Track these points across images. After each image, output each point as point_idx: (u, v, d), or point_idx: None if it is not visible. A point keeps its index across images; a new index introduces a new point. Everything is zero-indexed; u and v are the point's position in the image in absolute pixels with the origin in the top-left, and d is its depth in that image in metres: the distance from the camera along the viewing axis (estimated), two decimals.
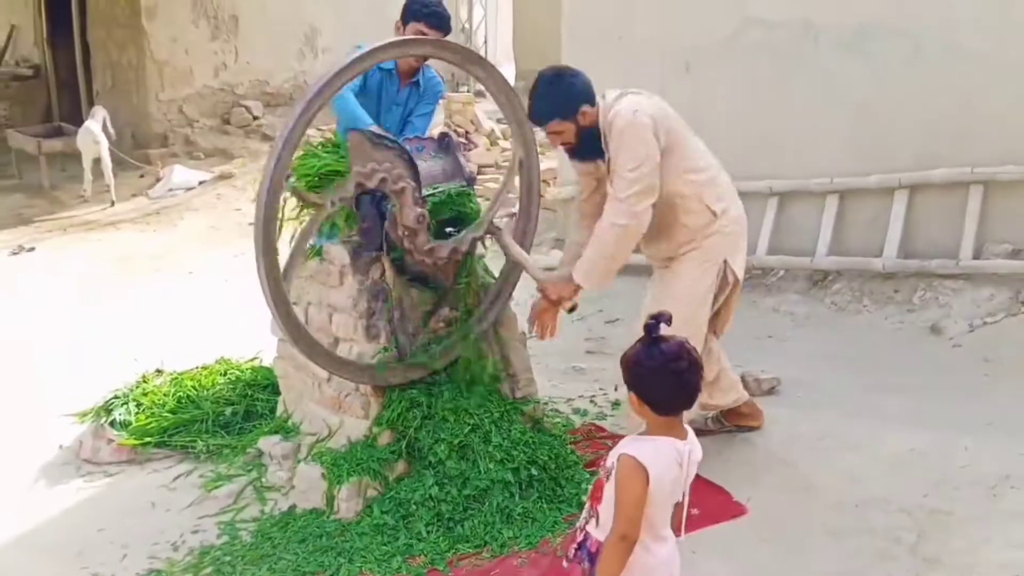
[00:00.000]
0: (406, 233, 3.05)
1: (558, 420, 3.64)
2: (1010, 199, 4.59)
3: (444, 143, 3.32)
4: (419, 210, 3.04)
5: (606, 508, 1.96)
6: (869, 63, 4.88)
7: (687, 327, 2.66)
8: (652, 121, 2.95)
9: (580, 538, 2.03)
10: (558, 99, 3.01)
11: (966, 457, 3.23)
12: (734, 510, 3.04)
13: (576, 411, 3.81)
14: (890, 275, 4.81)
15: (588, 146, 3.08)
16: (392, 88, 3.76)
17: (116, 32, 10.16)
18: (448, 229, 3.22)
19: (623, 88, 3.12)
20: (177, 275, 6.55)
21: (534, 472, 3.00)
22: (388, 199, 3.11)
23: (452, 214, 3.22)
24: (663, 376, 1.93)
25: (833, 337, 4.57)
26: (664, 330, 1.95)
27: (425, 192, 3.08)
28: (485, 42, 14.92)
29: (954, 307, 4.50)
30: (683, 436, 1.98)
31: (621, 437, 3.46)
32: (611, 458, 1.99)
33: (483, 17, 13.86)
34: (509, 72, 13.62)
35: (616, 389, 4.03)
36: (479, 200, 3.35)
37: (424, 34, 3.39)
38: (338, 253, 3.26)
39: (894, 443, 3.37)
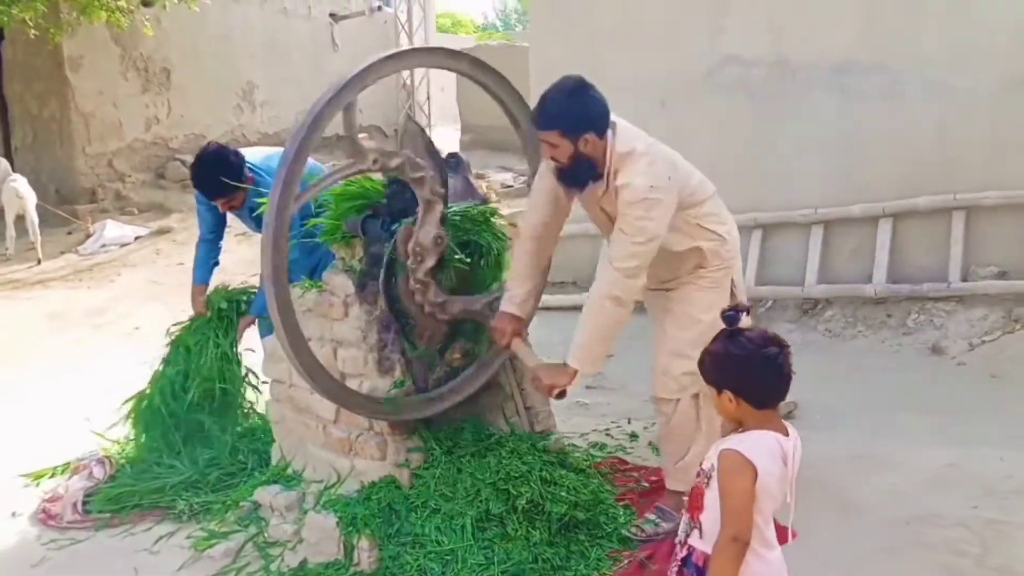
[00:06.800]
0: (416, 253, 2.85)
1: (578, 454, 3.43)
2: (992, 223, 4.70)
3: (453, 163, 3.17)
4: (438, 231, 2.88)
5: (709, 516, 1.79)
6: (847, 98, 4.99)
7: None
8: (670, 192, 2.67)
9: (684, 554, 1.83)
10: (567, 113, 2.62)
11: (1004, 468, 3.16)
12: (782, 536, 2.86)
13: (593, 445, 3.62)
14: (882, 300, 4.83)
15: (579, 175, 2.70)
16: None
17: (36, 84, 9.84)
18: (457, 256, 3.03)
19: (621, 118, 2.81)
20: (121, 331, 6.18)
21: (579, 515, 2.78)
22: (398, 220, 2.94)
23: (466, 237, 3.04)
24: (756, 364, 1.79)
25: (834, 362, 4.53)
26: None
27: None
28: (428, 98, 14.86)
29: (950, 328, 4.53)
30: (784, 431, 1.82)
31: (646, 468, 3.33)
32: (708, 461, 1.81)
33: (425, 72, 13.82)
34: (454, 131, 13.48)
35: (629, 421, 3.87)
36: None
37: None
38: (341, 282, 3.02)
39: (928, 460, 3.29)
